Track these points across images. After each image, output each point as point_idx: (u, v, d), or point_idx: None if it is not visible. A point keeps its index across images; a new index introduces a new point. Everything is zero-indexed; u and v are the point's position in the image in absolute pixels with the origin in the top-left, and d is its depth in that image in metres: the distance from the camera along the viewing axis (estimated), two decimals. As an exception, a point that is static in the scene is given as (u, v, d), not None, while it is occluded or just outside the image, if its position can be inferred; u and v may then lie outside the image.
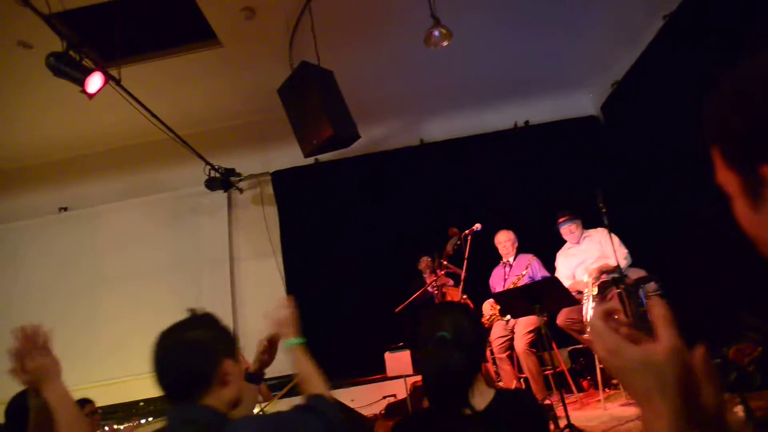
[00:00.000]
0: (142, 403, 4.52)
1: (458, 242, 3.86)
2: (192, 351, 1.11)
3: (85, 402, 2.97)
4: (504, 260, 4.11)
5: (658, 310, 0.53)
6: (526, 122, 5.45)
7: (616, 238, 3.51)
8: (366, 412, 4.33)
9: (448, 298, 3.88)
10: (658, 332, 0.52)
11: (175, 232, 5.56)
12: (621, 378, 0.55)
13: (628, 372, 0.53)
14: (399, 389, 4.63)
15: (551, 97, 5.40)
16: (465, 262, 3.66)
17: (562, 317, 3.55)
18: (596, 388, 3.51)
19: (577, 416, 2.89)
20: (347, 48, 4.56)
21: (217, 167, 5.20)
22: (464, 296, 3.78)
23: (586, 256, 3.72)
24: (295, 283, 5.17)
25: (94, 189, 5.72)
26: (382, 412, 4.55)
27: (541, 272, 3.91)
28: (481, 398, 1.23)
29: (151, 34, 4.42)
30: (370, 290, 4.84)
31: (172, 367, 1.10)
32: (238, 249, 5.49)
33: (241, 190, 5.59)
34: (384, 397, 4.64)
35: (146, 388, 4.72)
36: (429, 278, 4.20)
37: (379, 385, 4.72)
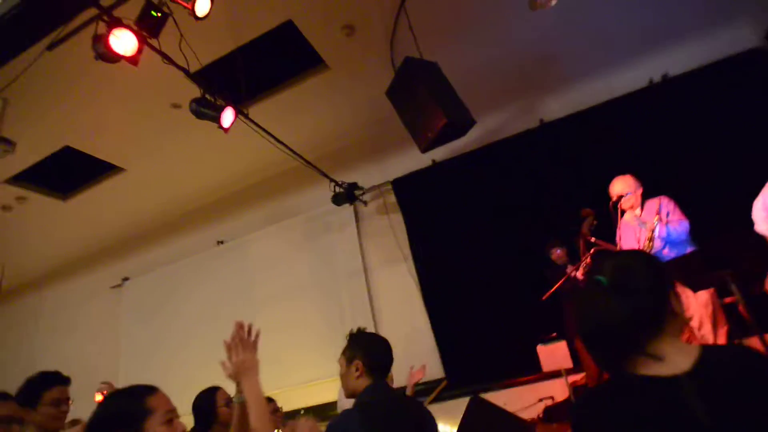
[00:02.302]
0: (302, 412, 4.76)
1: (594, 222, 3.61)
2: None
3: (269, 400, 3.13)
4: (632, 214, 3.28)
5: None
6: (664, 76, 4.70)
7: None
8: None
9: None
10: None
11: (312, 251, 5.91)
12: None
13: None
14: (556, 390, 4.22)
15: (694, 38, 4.60)
16: (618, 233, 3.18)
17: None
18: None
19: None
20: (449, 37, 4.47)
21: (340, 183, 5.44)
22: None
23: None
24: (428, 286, 5.09)
25: (241, 222, 6.40)
26: (540, 416, 4.18)
27: (676, 214, 3.05)
28: (681, 356, 0.97)
29: (269, 73, 4.87)
30: (506, 284, 4.54)
31: None
32: (369, 259, 5.62)
33: (365, 203, 5.76)
34: (540, 400, 4.25)
35: (303, 397, 5.09)
36: (568, 266, 3.83)
37: (533, 386, 4.36)
